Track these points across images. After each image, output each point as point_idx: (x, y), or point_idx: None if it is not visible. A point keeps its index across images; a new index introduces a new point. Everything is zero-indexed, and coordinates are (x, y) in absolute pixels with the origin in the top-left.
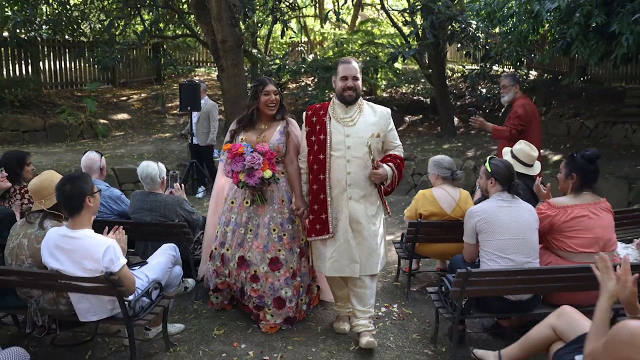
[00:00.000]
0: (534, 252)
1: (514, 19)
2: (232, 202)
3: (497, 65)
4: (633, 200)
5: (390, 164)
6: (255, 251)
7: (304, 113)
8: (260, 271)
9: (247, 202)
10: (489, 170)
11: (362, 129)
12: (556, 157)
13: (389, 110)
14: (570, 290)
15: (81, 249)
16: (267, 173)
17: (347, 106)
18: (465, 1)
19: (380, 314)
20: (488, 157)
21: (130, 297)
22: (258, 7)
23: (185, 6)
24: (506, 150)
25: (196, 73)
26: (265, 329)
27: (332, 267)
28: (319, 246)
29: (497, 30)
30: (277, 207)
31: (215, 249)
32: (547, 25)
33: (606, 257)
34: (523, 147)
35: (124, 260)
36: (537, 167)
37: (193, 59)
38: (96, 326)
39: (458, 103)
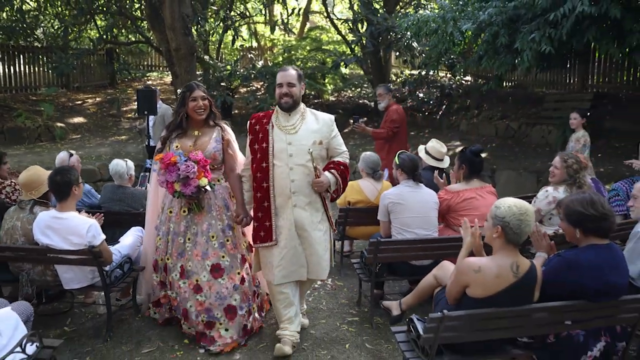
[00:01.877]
0: (434, 227)
1: (437, 35)
2: (170, 212)
3: (433, 71)
4: (538, 190)
5: (333, 171)
6: (195, 259)
7: (248, 122)
8: (202, 280)
9: (184, 211)
10: (397, 163)
11: (304, 137)
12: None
13: (332, 117)
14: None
15: (68, 227)
16: (203, 181)
17: (288, 114)
18: (396, 18)
19: (316, 286)
20: (398, 152)
21: (107, 268)
22: (210, 16)
23: (138, 13)
24: (421, 148)
25: (149, 77)
26: (219, 349)
27: (280, 275)
28: (266, 255)
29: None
30: (215, 214)
31: (162, 259)
32: (461, 44)
33: (467, 221)
34: (434, 145)
35: (103, 236)
36: (446, 161)
37: (146, 63)
38: (73, 299)
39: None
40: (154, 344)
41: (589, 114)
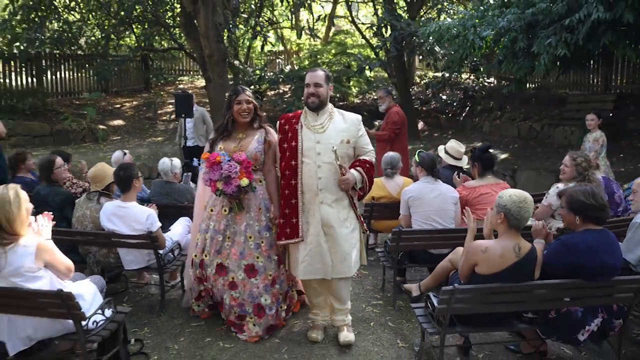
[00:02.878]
0: (450, 219)
1: (458, 41)
2: (211, 210)
3: (456, 74)
4: None
5: (358, 168)
6: (233, 258)
7: (278, 122)
8: (238, 278)
9: (225, 210)
10: (418, 161)
11: (331, 136)
12: (503, 156)
13: (359, 117)
14: None
15: (131, 215)
16: (244, 181)
17: (316, 113)
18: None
19: None
20: (417, 152)
21: (161, 251)
22: (239, 23)
23: (170, 21)
24: (440, 148)
25: (180, 82)
26: (245, 339)
27: (304, 270)
28: (293, 250)
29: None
30: (254, 214)
31: (196, 256)
32: (482, 49)
33: (469, 210)
34: (453, 145)
35: (159, 224)
36: (464, 160)
37: (177, 68)
38: (127, 281)
39: (424, 108)
40: (201, 320)
41: (611, 114)
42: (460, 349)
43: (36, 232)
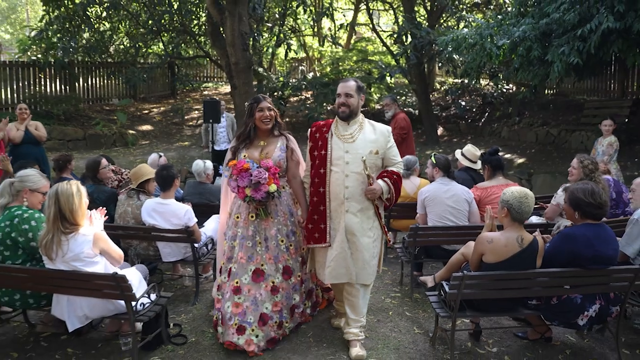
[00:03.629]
0: (464, 217)
1: (475, 50)
2: (238, 217)
3: (474, 81)
4: None
5: (386, 179)
6: (269, 263)
7: (309, 130)
8: (277, 281)
9: (252, 217)
10: (434, 162)
11: (361, 146)
12: (520, 160)
13: (389, 128)
14: None
15: (170, 211)
16: (272, 187)
17: (347, 123)
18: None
19: None
20: (433, 154)
21: (197, 245)
22: (263, 31)
23: (196, 28)
24: (457, 151)
25: (205, 88)
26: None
27: (330, 275)
28: (320, 255)
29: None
30: (281, 219)
31: (224, 263)
32: (499, 57)
33: (490, 209)
34: (469, 149)
35: (196, 220)
36: (479, 163)
37: (202, 74)
38: (162, 274)
39: (444, 114)
40: None
41: (627, 120)
42: (471, 335)
43: (91, 223)
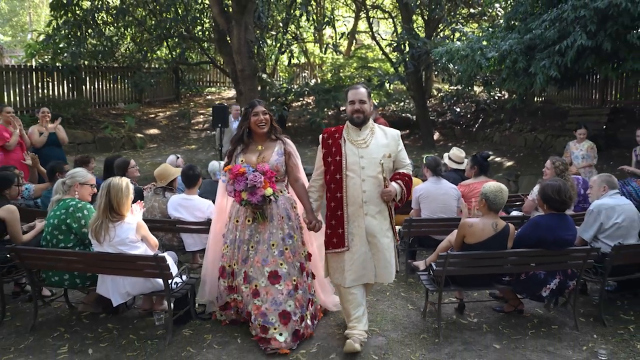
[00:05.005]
0: (452, 212)
1: (466, 61)
2: (237, 221)
3: (469, 88)
4: None
5: (399, 181)
6: (256, 266)
7: (320, 136)
8: (260, 285)
9: (249, 221)
10: (425, 163)
11: (374, 151)
12: (509, 163)
13: (398, 132)
14: None
15: (194, 206)
16: (269, 191)
17: (359, 129)
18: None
19: None
20: (424, 156)
21: None
22: (267, 37)
23: (200, 34)
24: (445, 155)
25: (208, 93)
26: (273, 352)
27: (350, 278)
28: (337, 260)
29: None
30: (276, 223)
31: (229, 265)
32: (488, 68)
33: (464, 204)
34: (455, 152)
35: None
36: (465, 164)
37: (205, 79)
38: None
39: (440, 120)
40: None
41: (604, 127)
42: (456, 310)
43: (132, 214)
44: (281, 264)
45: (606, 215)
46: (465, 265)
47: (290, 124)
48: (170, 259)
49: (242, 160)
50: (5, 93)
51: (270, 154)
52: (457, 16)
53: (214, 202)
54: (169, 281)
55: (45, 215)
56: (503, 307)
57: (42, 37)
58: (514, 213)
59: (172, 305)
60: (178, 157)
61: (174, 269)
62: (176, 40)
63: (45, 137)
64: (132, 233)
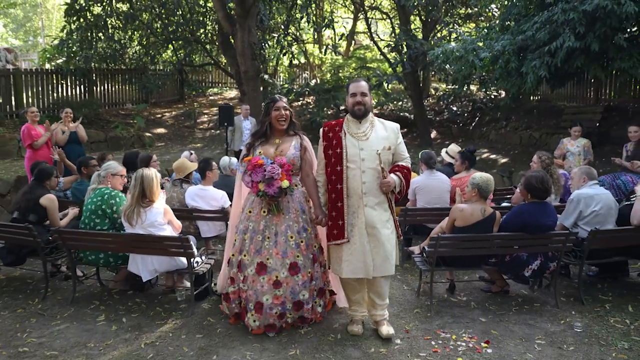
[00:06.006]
0: (446, 202)
1: (461, 62)
2: (250, 211)
3: (465, 88)
4: None
5: (398, 173)
6: (275, 257)
7: (321, 129)
8: (281, 276)
9: (264, 212)
10: (420, 158)
11: (374, 143)
12: (504, 160)
13: (397, 125)
14: None
15: (210, 195)
16: (285, 183)
17: (359, 121)
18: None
19: None
20: (420, 152)
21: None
22: (269, 39)
23: (203, 37)
24: (443, 150)
25: (211, 93)
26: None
27: (347, 269)
28: (336, 250)
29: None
30: (292, 216)
31: (234, 255)
32: (482, 68)
33: (460, 194)
34: (452, 148)
35: (230, 202)
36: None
37: (207, 80)
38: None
39: (437, 118)
40: None
41: (598, 124)
42: (447, 290)
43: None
44: (297, 256)
45: (585, 204)
46: (455, 246)
47: (297, 123)
48: (191, 241)
49: (260, 152)
50: (24, 95)
51: (287, 147)
52: (455, 17)
53: (228, 194)
54: (192, 260)
55: (75, 204)
56: (490, 288)
57: (56, 42)
58: (503, 204)
59: (193, 280)
60: (192, 153)
61: (195, 250)
62: (181, 42)
63: (67, 136)
64: (160, 216)
